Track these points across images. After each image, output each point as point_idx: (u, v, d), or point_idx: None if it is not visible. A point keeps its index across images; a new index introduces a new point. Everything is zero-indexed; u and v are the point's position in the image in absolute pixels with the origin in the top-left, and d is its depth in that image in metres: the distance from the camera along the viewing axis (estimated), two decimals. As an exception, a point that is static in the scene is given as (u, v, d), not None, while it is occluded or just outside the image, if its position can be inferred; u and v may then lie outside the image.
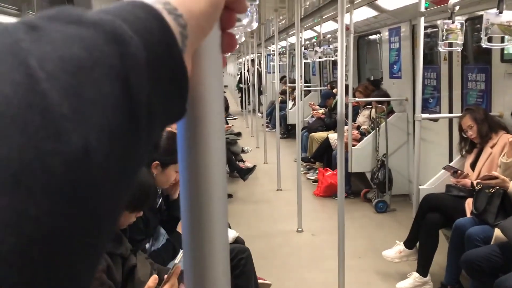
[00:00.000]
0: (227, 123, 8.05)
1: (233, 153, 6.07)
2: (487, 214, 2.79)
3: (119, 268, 1.52)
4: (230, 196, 5.56)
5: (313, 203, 5.33)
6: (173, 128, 2.26)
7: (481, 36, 2.51)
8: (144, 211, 2.08)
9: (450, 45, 3.07)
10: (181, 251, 1.43)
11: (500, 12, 2.45)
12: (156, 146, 2.18)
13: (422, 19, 3.30)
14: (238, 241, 2.82)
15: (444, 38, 2.93)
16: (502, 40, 2.51)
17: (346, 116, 5.33)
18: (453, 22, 2.89)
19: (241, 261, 2.52)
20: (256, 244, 4.07)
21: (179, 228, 2.21)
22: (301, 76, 9.61)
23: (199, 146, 0.42)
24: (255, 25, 0.90)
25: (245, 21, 0.88)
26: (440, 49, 2.97)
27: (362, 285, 3.36)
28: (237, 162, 6.26)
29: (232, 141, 6.02)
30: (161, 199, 2.26)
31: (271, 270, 3.52)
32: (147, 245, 2.11)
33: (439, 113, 4.53)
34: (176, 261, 1.37)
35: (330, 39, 5.89)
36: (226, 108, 8.08)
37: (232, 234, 2.64)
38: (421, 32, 3.33)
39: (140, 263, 1.58)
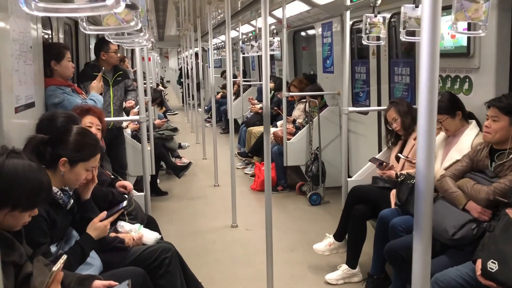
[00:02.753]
0: (165, 118, 7.87)
1: (169, 149, 5.93)
2: (409, 204, 2.85)
3: (10, 277, 1.39)
4: (165, 193, 5.43)
5: (249, 197, 5.31)
6: (86, 123, 2.12)
7: (400, 30, 2.55)
8: (49, 211, 1.95)
9: (378, 39, 3.12)
10: (63, 256, 1.33)
11: (417, 6, 2.50)
12: (64, 141, 2.04)
13: (348, 13, 3.34)
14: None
15: (368, 32, 2.96)
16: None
17: (282, 110, 5.36)
18: (375, 16, 2.93)
19: (165, 260, 2.44)
20: (189, 242, 4.00)
21: (90, 230, 2.09)
22: (238, 70, 9.61)
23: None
24: (122, 6, 0.82)
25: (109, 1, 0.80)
26: (364, 42, 3.01)
27: (293, 278, 3.37)
28: (174, 158, 6.13)
29: (167, 137, 5.87)
30: (72, 200, 2.12)
31: (203, 268, 3.45)
32: (54, 249, 1.97)
33: (369, 106, 4.63)
34: (55, 268, 1.26)
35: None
36: (161, 102, 7.88)
37: (154, 236, 2.54)
38: (347, 25, 3.37)
39: (37, 271, 1.45)
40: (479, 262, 2.05)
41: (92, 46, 5.11)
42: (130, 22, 1.40)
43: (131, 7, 1.17)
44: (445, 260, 2.33)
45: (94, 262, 2.12)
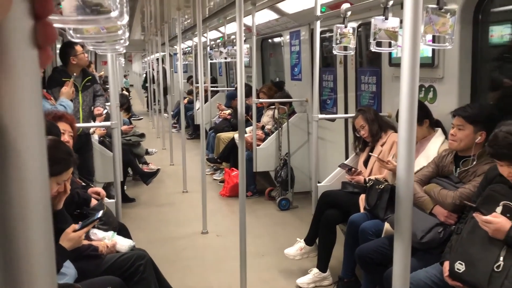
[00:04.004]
0: (130, 124, 7.76)
1: (136, 156, 5.86)
2: (378, 209, 2.96)
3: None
4: (132, 200, 5.36)
5: (219, 203, 5.31)
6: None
7: (370, 41, 2.65)
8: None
9: (346, 48, 3.22)
10: None
11: (386, 18, 2.60)
12: None
13: (318, 23, 3.43)
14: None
15: (338, 42, 3.05)
16: (390, 45, 2.67)
17: (251, 117, 5.40)
18: (345, 27, 3.03)
19: (139, 267, 2.42)
20: (160, 249, 3.97)
21: (63, 241, 2.05)
22: (205, 75, 9.61)
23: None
24: (125, 18, 0.83)
25: (114, 13, 0.81)
26: (334, 52, 3.10)
27: (265, 283, 3.40)
28: (141, 164, 6.06)
29: (134, 143, 5.81)
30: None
31: (174, 274, 3.43)
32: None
33: (337, 113, 4.75)
34: None
35: (234, 40, 5.91)
36: (128, 108, 7.78)
37: (127, 243, 2.52)
38: (317, 35, 3.45)
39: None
40: (446, 263, 2.15)
41: (58, 51, 5.00)
42: (112, 29, 1.40)
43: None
44: (414, 263, 2.40)
45: (68, 271, 2.09)
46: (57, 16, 0.85)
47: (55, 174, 2.02)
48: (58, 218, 2.14)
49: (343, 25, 3.00)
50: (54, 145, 2.09)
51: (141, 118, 12.21)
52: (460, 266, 2.04)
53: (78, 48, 3.99)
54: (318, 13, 3.40)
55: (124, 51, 3.19)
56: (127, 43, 1.87)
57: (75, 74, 3.75)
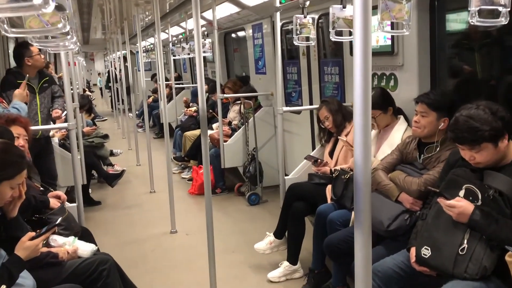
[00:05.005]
0: (94, 125, 7.56)
1: (100, 157, 5.70)
2: (344, 198, 2.96)
3: None
4: (98, 203, 5.22)
5: (188, 202, 5.23)
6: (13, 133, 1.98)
7: (329, 30, 2.63)
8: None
9: (307, 39, 3.19)
10: None
11: (344, 7, 2.58)
12: None
13: (278, 14, 3.39)
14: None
15: (298, 32, 3.02)
16: (350, 33, 2.65)
17: (217, 113, 5.33)
18: (305, 17, 3.00)
19: (103, 272, 2.34)
20: (127, 251, 3.88)
21: (18, 250, 1.94)
22: (170, 72, 9.46)
23: None
24: (51, 6, 0.77)
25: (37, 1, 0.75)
26: (295, 43, 3.06)
27: (235, 279, 3.36)
28: (106, 166, 5.91)
29: (98, 145, 5.65)
30: (-3, 218, 1.97)
31: (143, 276, 3.35)
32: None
33: (302, 105, 4.74)
34: None
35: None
36: (89, 109, 7.57)
37: (90, 248, 2.42)
38: (278, 27, 3.42)
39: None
40: (413, 249, 2.15)
41: (11, 51, 4.79)
42: (56, 24, 1.32)
43: (58, 8, 1.11)
44: (382, 250, 2.42)
45: (25, 282, 1.98)
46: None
47: (8, 177, 1.92)
48: (13, 225, 2.03)
49: (302, 16, 2.97)
50: (5, 148, 1.99)
51: (106, 119, 11.94)
52: (426, 251, 2.04)
53: (34, 49, 3.83)
54: (278, 4, 3.36)
55: (76, 48, 3.06)
56: (74, 39, 1.79)
57: (28, 75, 3.59)
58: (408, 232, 2.37)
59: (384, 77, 3.24)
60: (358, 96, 1.09)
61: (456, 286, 1.91)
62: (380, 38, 3.20)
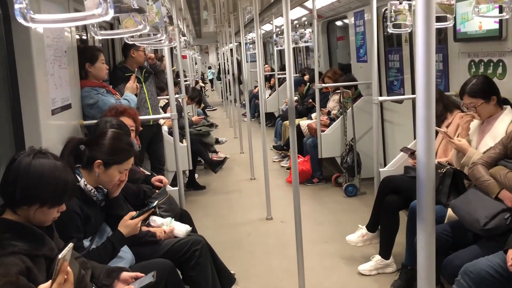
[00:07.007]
0: (204, 114, 8.01)
1: (206, 145, 6.04)
2: (440, 194, 2.79)
3: (42, 270, 1.49)
4: (203, 187, 5.55)
5: (285, 190, 5.33)
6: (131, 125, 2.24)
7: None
8: (83, 208, 2.06)
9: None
10: (69, 245, 1.38)
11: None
12: (99, 145, 2.15)
13: (375, 0, 3.29)
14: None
15: (393, 20, 2.90)
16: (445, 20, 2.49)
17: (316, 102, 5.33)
18: (400, 3, 2.87)
19: (195, 252, 2.51)
20: (225, 234, 4.09)
21: (121, 227, 2.18)
22: (274, 63, 9.60)
23: None
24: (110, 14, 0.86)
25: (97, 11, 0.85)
26: (389, 30, 2.95)
27: (325, 269, 3.37)
28: (210, 153, 6.24)
29: (204, 133, 5.98)
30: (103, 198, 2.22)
31: (238, 259, 3.52)
32: (87, 243, 2.08)
33: (404, 94, 4.54)
34: (60, 256, 1.31)
35: (297, 26, 5.85)
36: (199, 101, 8.02)
37: (184, 228, 2.62)
38: (374, 12, 3.32)
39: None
40: (510, 252, 1.99)
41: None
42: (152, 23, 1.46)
43: (139, 11, 1.23)
44: (476, 250, 2.27)
45: (125, 255, 2.22)
46: (45, 16, 0.91)
47: (118, 162, 2.15)
48: (113, 205, 2.27)
49: (398, 2, 2.84)
50: (117, 136, 2.23)
51: (215, 109, 12.54)
52: (523, 255, 1.88)
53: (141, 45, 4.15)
54: (374, -10, 3.26)
55: (174, 44, 3.28)
56: (164, 36, 1.94)
57: (134, 68, 3.92)
58: (508, 232, 2.19)
59: (491, 64, 2.98)
60: (421, 87, 1.05)
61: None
62: (486, 22, 2.94)
